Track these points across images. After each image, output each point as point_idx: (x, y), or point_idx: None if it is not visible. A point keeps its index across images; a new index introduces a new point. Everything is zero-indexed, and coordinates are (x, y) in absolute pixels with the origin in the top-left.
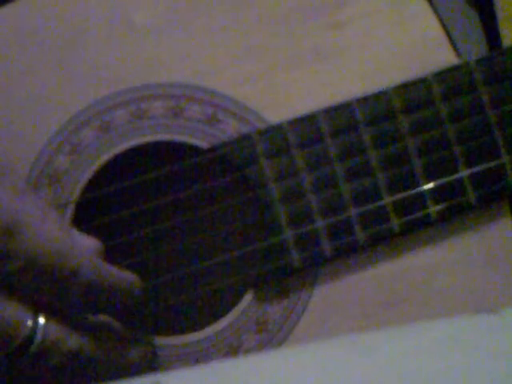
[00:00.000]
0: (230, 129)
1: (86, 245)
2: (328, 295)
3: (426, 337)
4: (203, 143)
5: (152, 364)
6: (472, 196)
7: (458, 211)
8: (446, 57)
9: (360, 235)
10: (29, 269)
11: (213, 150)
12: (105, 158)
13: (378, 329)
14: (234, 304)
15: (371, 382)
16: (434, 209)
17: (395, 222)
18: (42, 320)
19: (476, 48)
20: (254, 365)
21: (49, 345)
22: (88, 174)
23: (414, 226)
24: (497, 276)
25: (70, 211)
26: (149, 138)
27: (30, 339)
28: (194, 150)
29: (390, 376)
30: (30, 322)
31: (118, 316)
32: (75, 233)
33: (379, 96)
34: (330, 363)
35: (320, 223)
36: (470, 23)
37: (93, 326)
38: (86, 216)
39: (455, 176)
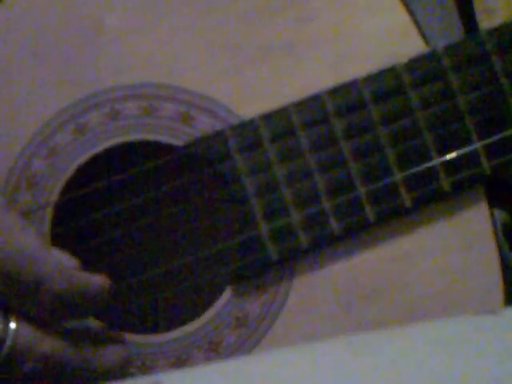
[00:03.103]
0: (203, 126)
1: (62, 260)
2: (306, 289)
3: (426, 337)
4: (177, 141)
5: (125, 367)
6: (446, 183)
7: (432, 199)
8: (415, 45)
9: (335, 226)
10: None
11: (186, 147)
12: (81, 160)
13: (377, 329)
14: (212, 301)
15: (370, 382)
16: (408, 197)
17: (370, 212)
18: (12, 324)
19: (450, 36)
20: (253, 365)
21: (20, 349)
22: (65, 177)
23: (389, 215)
24: (475, 262)
25: (48, 213)
26: (124, 139)
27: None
28: (169, 149)
29: (390, 376)
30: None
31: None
32: (53, 249)
33: (349, 87)
34: (329, 364)
35: (295, 215)
36: (443, 11)
37: (66, 329)
38: (64, 217)
39: (428, 164)
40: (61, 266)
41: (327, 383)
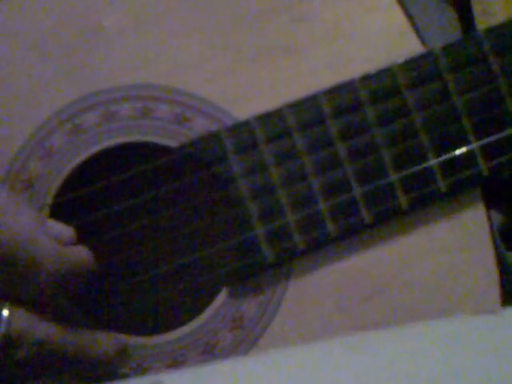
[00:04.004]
0: (199, 127)
1: (57, 231)
2: (302, 290)
3: (426, 337)
4: (173, 142)
5: (125, 361)
6: (443, 184)
7: (429, 200)
8: (411, 45)
9: (331, 228)
10: None
11: (181, 148)
12: (77, 161)
13: (377, 329)
14: (208, 302)
15: (371, 382)
16: (404, 198)
17: (366, 213)
18: (5, 312)
19: (448, 37)
20: (253, 365)
21: (14, 336)
22: (61, 178)
23: (385, 216)
24: (472, 262)
25: (44, 215)
26: (119, 140)
27: None
28: (164, 150)
29: (390, 376)
30: None
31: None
32: (48, 221)
33: (345, 87)
34: (329, 364)
35: (291, 217)
36: (440, 11)
37: (61, 317)
38: (60, 219)
39: (425, 165)
40: (55, 246)
41: (327, 383)
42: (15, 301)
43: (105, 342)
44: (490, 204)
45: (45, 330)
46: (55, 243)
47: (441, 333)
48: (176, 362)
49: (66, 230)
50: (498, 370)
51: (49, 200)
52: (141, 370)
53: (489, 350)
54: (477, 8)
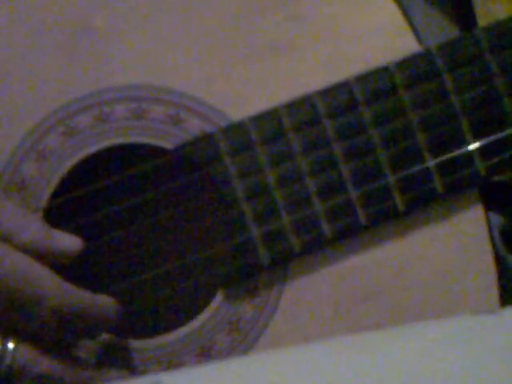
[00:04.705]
0: (194, 128)
1: (65, 242)
2: (299, 292)
3: (426, 337)
4: (167, 144)
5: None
6: (440, 185)
7: (426, 201)
8: (408, 44)
9: (327, 229)
10: None
11: (176, 150)
12: (71, 163)
13: (374, 324)
14: (204, 305)
15: (371, 382)
16: (401, 199)
17: (362, 215)
18: (11, 345)
19: (444, 36)
20: (254, 365)
21: (18, 368)
22: (55, 180)
23: (381, 218)
24: (469, 265)
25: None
26: (113, 141)
27: None
28: (159, 151)
29: (390, 376)
30: None
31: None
32: (56, 233)
33: (340, 87)
34: (329, 363)
35: (286, 219)
36: (437, 10)
37: (65, 348)
38: (54, 221)
39: (422, 165)
40: (58, 281)
41: (329, 382)
42: (20, 335)
43: (109, 376)
44: (491, 206)
45: (47, 364)
46: (59, 280)
47: (440, 333)
48: (172, 365)
49: (74, 241)
50: (498, 370)
51: (43, 203)
52: (137, 373)
53: (489, 350)
54: (478, 8)
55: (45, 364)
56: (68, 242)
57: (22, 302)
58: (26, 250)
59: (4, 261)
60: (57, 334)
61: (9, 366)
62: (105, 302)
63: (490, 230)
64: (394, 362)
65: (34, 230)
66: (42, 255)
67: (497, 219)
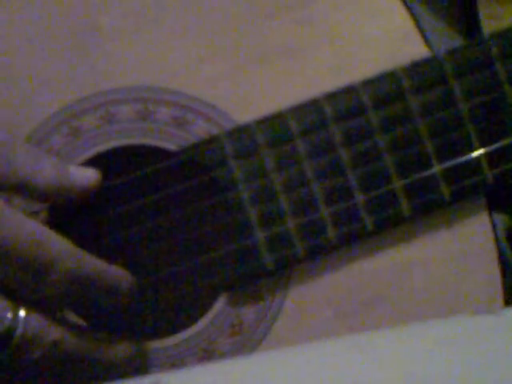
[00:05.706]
0: (199, 130)
1: (81, 177)
2: (302, 296)
3: (426, 337)
4: (173, 146)
5: (138, 365)
6: (447, 192)
7: (432, 207)
8: (416, 49)
9: (332, 235)
10: (4, 261)
11: (181, 152)
12: (75, 163)
13: (377, 329)
14: (207, 308)
15: (371, 382)
16: (407, 205)
17: (368, 220)
18: (22, 313)
19: (453, 41)
20: (254, 365)
21: (30, 337)
22: None
23: (387, 224)
24: (474, 272)
25: (42, 219)
26: (118, 143)
27: (10, 332)
28: (164, 153)
29: (390, 376)
30: (10, 315)
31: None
32: (71, 168)
33: (348, 91)
34: (330, 364)
35: (292, 224)
36: (445, 15)
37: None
38: (57, 222)
39: (428, 171)
40: (71, 246)
41: (333, 381)
42: (30, 303)
43: (116, 348)
44: (496, 206)
45: (60, 330)
46: (69, 245)
47: (441, 333)
48: (174, 368)
49: (91, 173)
50: (498, 370)
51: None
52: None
53: (489, 350)
54: (484, 12)
55: (58, 331)
56: (84, 175)
57: (35, 267)
58: (43, 194)
59: (18, 228)
60: (68, 301)
61: (21, 335)
62: (118, 271)
63: (495, 231)
64: (394, 362)
65: (48, 169)
66: (59, 194)
67: (501, 220)
